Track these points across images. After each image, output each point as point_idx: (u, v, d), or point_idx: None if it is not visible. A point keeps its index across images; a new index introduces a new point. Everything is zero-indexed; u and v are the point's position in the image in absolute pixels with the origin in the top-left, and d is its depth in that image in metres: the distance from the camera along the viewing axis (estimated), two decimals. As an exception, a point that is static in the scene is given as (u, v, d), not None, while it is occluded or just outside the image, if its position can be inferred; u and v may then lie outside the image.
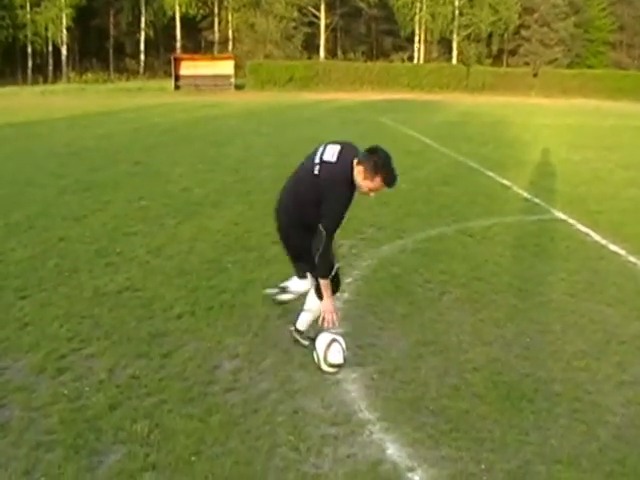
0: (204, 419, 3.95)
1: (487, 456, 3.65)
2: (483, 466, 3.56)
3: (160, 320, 5.44)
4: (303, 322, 4.98)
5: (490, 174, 12.85)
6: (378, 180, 4.35)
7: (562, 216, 9.45)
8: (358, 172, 4.36)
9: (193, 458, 3.57)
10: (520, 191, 11.28)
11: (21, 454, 3.56)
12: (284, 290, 5.11)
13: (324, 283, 4.54)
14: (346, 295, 5.96)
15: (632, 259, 7.46)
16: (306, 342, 4.92)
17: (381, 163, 4.34)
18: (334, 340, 4.54)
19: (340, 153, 4.51)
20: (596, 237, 8.33)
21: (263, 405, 4.14)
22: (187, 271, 6.66)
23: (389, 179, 4.38)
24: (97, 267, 6.74)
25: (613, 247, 7.88)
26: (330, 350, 4.53)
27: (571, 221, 9.16)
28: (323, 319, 4.58)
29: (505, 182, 12.03)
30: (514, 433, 3.88)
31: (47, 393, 4.22)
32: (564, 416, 4.10)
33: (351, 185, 4.42)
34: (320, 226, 4.41)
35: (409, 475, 3.49)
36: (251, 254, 7.22)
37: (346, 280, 6.16)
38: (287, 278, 5.11)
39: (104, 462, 3.53)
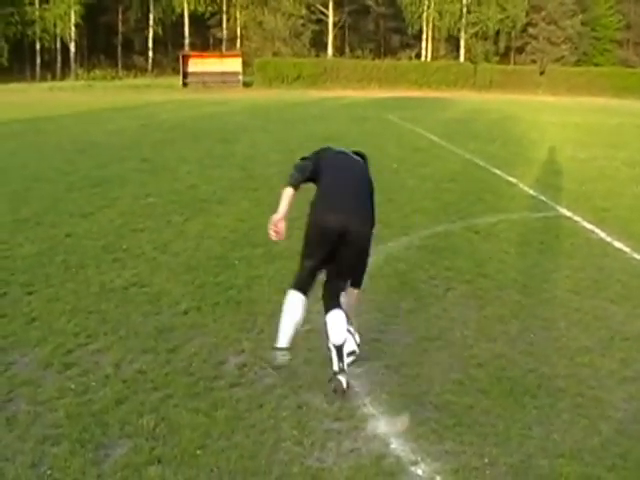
0: (210, 413, 3.98)
1: (490, 450, 3.67)
2: (486, 460, 3.58)
3: (166, 315, 5.47)
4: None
5: (496, 171, 12.84)
6: None
7: (567, 213, 9.45)
8: None
9: (198, 452, 3.60)
10: (526, 188, 11.28)
11: (27, 448, 3.60)
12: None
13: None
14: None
15: (637, 256, 7.46)
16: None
17: None
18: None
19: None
20: (601, 234, 8.33)
21: (268, 400, 4.17)
22: (194, 267, 6.69)
23: None
24: (104, 263, 6.78)
25: (618, 244, 7.88)
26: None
27: (576, 218, 9.16)
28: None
29: (511, 179, 12.02)
30: (517, 428, 3.90)
31: (53, 387, 4.26)
32: (567, 411, 4.12)
33: None
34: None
35: (412, 469, 3.51)
36: (257, 250, 7.24)
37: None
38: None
39: (110, 456, 3.56)
